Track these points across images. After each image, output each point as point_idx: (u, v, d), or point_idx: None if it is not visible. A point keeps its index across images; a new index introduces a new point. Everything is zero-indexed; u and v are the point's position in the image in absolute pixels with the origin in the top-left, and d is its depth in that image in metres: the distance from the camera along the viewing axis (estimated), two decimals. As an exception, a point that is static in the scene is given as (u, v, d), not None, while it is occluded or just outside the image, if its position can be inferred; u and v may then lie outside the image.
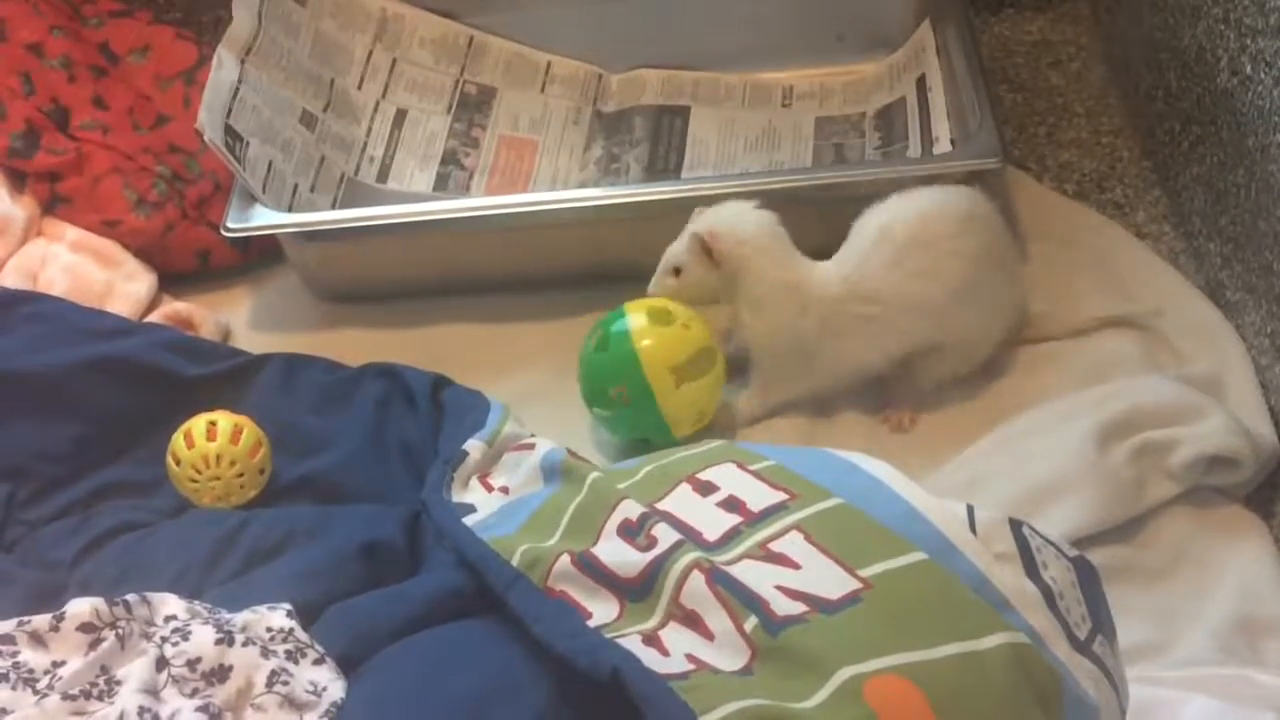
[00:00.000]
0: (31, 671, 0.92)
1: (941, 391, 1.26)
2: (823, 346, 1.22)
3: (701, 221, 1.22)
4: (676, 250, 1.23)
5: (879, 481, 0.91)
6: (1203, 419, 1.15)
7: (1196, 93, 1.34)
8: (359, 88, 1.59)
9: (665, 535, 0.89)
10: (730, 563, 0.86)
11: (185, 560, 1.08)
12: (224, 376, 1.28)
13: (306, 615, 0.99)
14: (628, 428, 1.24)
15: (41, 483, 1.20)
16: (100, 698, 0.90)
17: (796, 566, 0.85)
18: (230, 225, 1.34)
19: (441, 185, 1.56)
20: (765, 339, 1.23)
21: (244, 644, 0.92)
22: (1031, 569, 0.85)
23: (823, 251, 1.24)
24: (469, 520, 1.04)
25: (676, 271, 1.23)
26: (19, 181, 1.47)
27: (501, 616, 0.93)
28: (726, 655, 0.82)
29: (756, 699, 0.77)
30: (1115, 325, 1.29)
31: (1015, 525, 0.87)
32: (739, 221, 1.22)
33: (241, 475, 1.16)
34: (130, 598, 0.97)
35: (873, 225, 1.22)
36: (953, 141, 1.40)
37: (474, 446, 1.15)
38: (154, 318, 1.38)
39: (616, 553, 0.90)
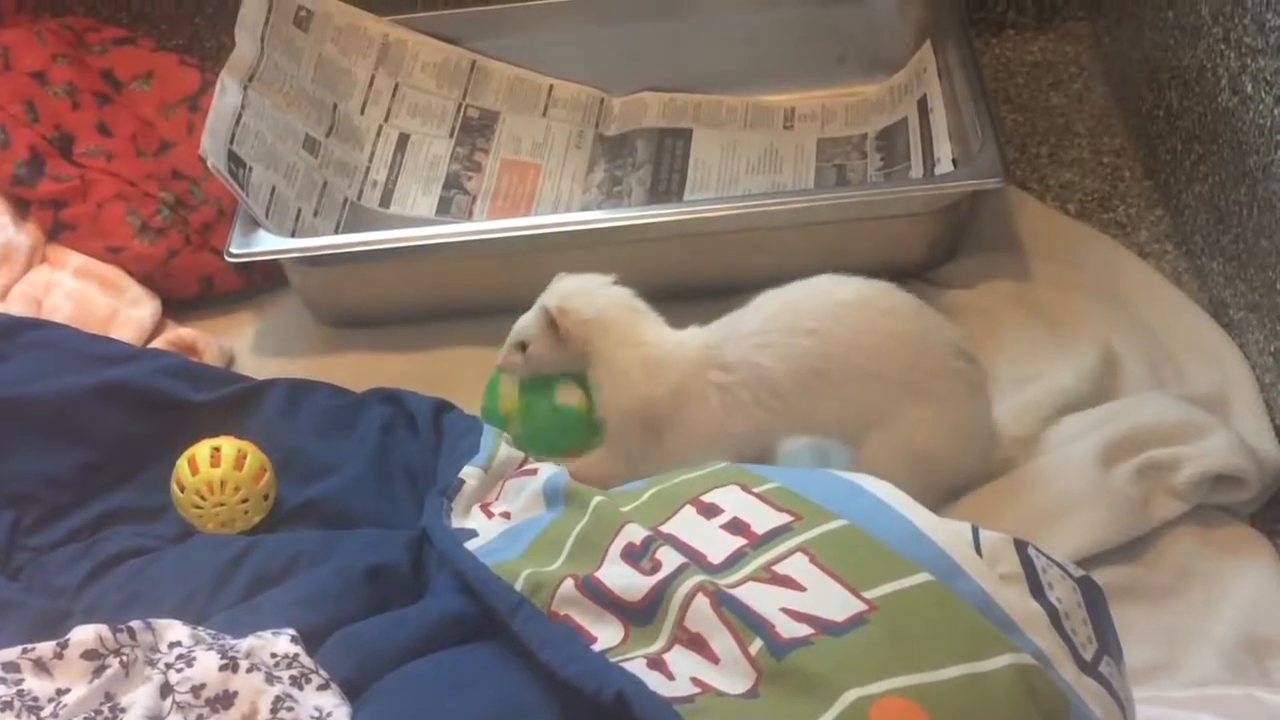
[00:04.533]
0: (36, 699, 0.92)
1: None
2: (674, 419, 1.15)
3: (553, 294, 1.18)
4: (526, 323, 1.19)
5: (883, 503, 0.90)
6: (1207, 437, 1.15)
7: (1198, 112, 1.34)
8: (361, 112, 1.59)
9: (669, 558, 0.89)
10: (735, 585, 0.86)
11: (190, 586, 1.08)
12: (228, 402, 1.28)
13: (311, 640, 0.99)
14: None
15: (46, 509, 1.20)
16: (105, 725, 0.90)
17: (801, 589, 0.85)
18: (233, 251, 1.35)
19: (444, 209, 1.56)
20: (611, 413, 1.17)
21: (248, 670, 0.92)
22: (1037, 589, 0.85)
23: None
24: (471, 545, 1.04)
25: (523, 346, 1.19)
26: (23, 209, 1.48)
27: (506, 641, 0.92)
28: (732, 678, 0.82)
29: (762, 722, 0.77)
30: None
31: (1020, 545, 0.87)
32: (588, 296, 1.17)
33: (245, 501, 1.16)
34: (134, 624, 0.97)
35: (759, 300, 1.14)
36: (954, 162, 1.40)
37: (469, 473, 1.14)
38: (158, 344, 1.39)
39: (621, 576, 0.90)
